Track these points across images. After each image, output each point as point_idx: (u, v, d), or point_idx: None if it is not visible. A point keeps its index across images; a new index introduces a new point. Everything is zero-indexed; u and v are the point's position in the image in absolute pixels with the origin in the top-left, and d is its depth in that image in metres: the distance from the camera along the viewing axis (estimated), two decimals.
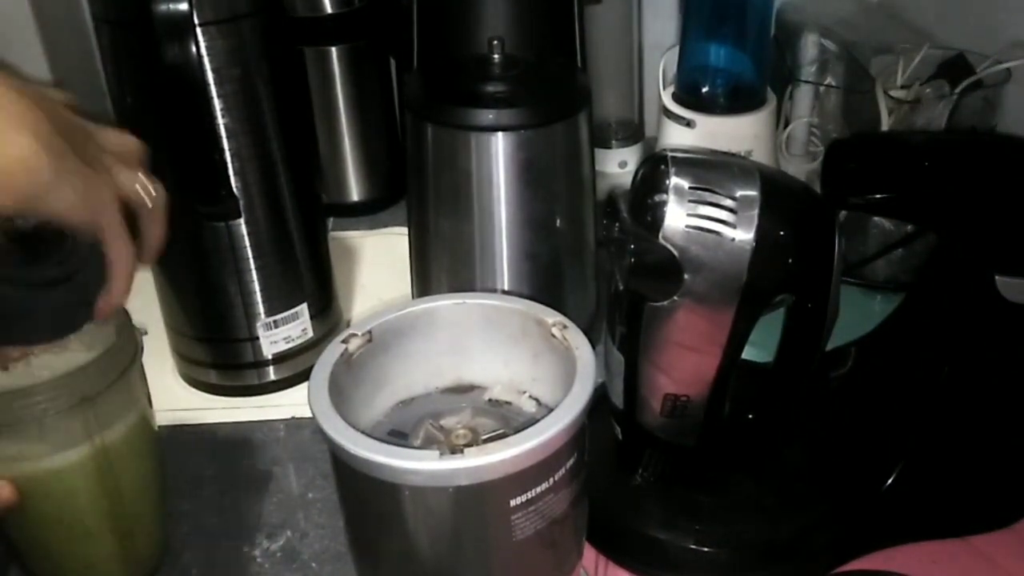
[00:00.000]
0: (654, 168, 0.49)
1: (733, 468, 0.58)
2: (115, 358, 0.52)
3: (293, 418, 0.70)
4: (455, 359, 0.51)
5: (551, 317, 0.48)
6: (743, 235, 0.47)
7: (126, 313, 0.54)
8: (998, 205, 0.51)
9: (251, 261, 0.67)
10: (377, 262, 0.89)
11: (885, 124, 0.74)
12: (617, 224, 0.49)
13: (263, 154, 0.64)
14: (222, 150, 0.62)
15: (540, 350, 0.49)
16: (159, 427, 0.69)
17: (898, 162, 0.54)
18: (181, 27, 0.56)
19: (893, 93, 0.75)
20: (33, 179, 0.38)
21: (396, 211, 0.97)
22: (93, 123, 0.44)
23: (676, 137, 0.77)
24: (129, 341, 0.53)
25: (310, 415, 0.43)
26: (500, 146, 0.62)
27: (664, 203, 0.47)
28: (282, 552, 0.58)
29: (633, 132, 0.99)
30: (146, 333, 0.55)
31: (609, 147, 0.97)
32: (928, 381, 0.56)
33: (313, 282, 0.71)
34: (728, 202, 0.47)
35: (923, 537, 0.57)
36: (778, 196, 0.48)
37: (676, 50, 0.79)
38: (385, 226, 0.95)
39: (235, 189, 0.64)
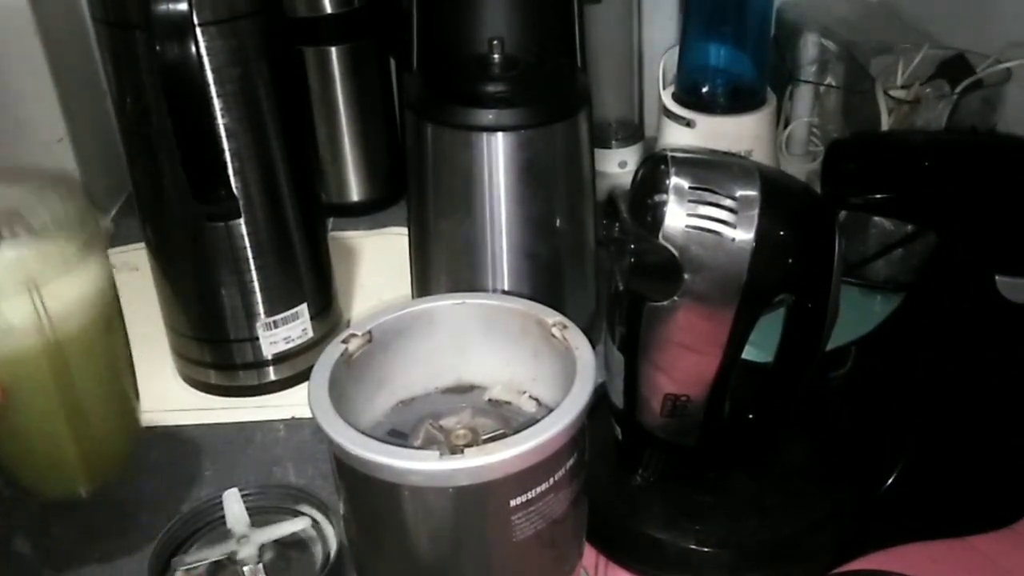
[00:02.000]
0: (654, 168, 0.49)
1: (733, 468, 0.58)
2: (69, 246, 0.48)
3: (293, 418, 0.70)
4: (455, 359, 0.51)
5: (551, 317, 0.48)
6: (743, 235, 0.47)
7: (86, 200, 0.51)
8: (998, 205, 0.51)
9: (251, 261, 0.67)
10: (377, 262, 0.89)
11: (885, 124, 0.74)
12: (617, 224, 0.49)
13: (263, 154, 0.64)
14: (222, 150, 0.62)
15: (540, 350, 0.49)
16: (159, 427, 0.69)
17: (898, 162, 0.54)
18: (181, 27, 0.56)
19: (893, 93, 0.75)
20: None
21: (396, 211, 0.97)
22: None
23: (676, 137, 0.77)
24: (87, 230, 0.49)
25: (310, 415, 0.43)
26: (500, 146, 0.62)
27: (664, 203, 0.47)
28: None
29: (633, 132, 0.99)
30: (112, 230, 0.52)
31: (609, 147, 0.97)
32: (928, 381, 0.56)
33: (313, 282, 0.71)
34: (728, 202, 0.47)
35: (923, 537, 0.57)
36: (778, 196, 0.48)
37: (676, 50, 0.79)
38: (385, 226, 0.95)
39: (235, 189, 0.64)
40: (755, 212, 0.47)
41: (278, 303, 0.69)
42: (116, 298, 0.52)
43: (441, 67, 0.70)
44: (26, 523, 0.61)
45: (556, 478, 0.43)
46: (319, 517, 0.55)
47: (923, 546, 0.56)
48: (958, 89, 0.74)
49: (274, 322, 0.69)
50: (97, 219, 0.50)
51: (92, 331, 0.50)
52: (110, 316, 0.52)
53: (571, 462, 0.43)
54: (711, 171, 0.48)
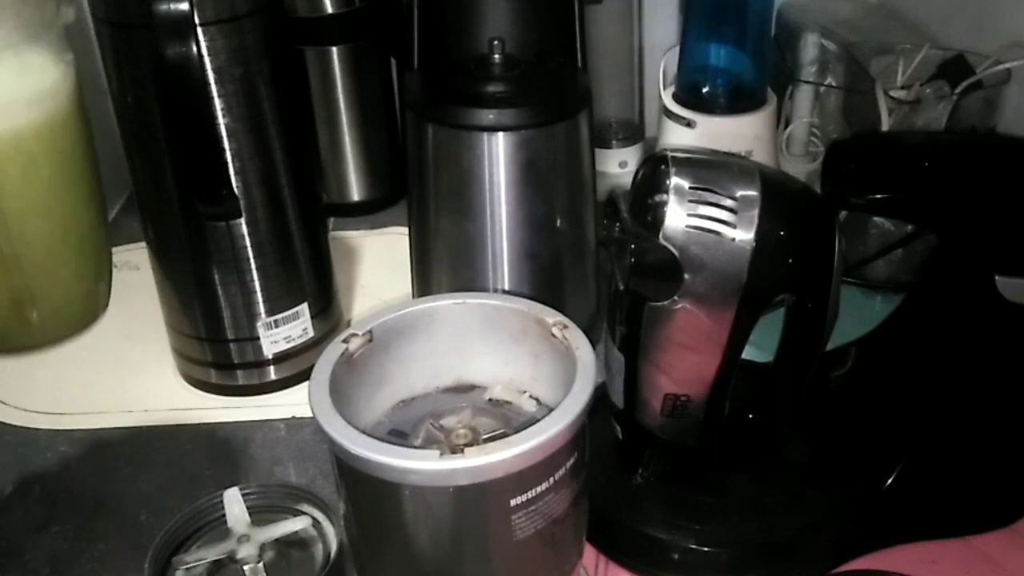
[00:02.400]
0: (654, 168, 0.49)
1: (733, 468, 0.58)
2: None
3: (293, 418, 0.70)
4: (455, 359, 0.51)
5: (551, 317, 0.48)
6: (743, 235, 0.47)
7: None
8: (998, 205, 0.51)
9: (251, 261, 0.67)
10: (377, 262, 0.89)
11: (885, 124, 0.74)
12: (617, 224, 0.49)
13: (264, 154, 0.64)
14: (223, 150, 0.62)
15: (540, 350, 0.49)
16: (159, 426, 0.69)
17: (898, 162, 0.54)
18: (182, 27, 0.56)
19: (893, 93, 0.75)
20: None
21: (396, 211, 0.97)
22: None
23: (676, 137, 0.77)
24: (31, 14, 0.39)
25: (310, 415, 0.43)
26: (500, 146, 0.62)
27: (664, 203, 0.47)
28: None
29: (633, 132, 0.99)
30: (71, 19, 0.41)
31: (609, 147, 0.97)
32: (928, 381, 0.56)
33: (313, 282, 0.71)
34: (728, 202, 0.47)
35: (923, 537, 0.57)
36: (778, 196, 0.48)
37: (676, 50, 0.79)
38: (385, 226, 0.95)
39: (235, 189, 0.64)
40: (755, 212, 0.47)
41: (278, 302, 0.69)
42: (75, 105, 0.41)
43: (441, 67, 0.70)
44: (27, 522, 0.61)
45: (556, 478, 0.43)
46: (320, 516, 0.55)
47: (923, 546, 0.56)
48: (958, 89, 0.74)
49: (274, 321, 0.69)
50: (57, 7, 0.38)
51: (31, 138, 0.40)
52: (60, 124, 0.41)
53: (571, 462, 0.43)
54: (711, 171, 0.48)
